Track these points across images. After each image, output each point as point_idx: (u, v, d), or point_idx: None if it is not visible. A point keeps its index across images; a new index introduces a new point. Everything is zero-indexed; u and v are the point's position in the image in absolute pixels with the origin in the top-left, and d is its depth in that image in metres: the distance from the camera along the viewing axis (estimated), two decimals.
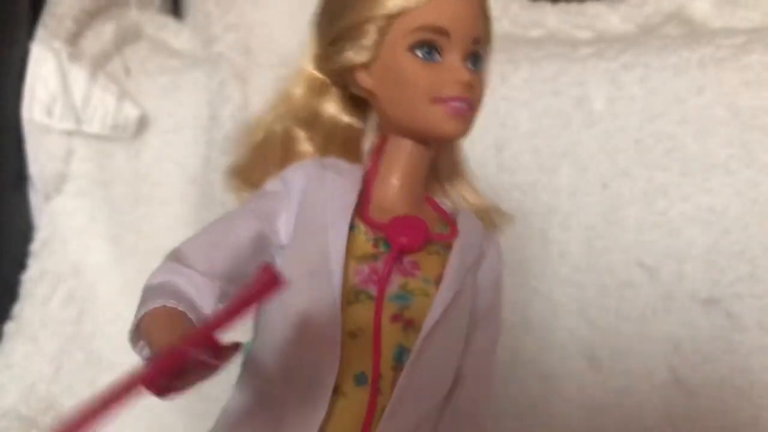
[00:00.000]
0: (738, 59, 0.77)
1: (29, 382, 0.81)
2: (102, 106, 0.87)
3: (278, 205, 0.47)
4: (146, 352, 0.38)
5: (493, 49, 0.85)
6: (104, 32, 0.92)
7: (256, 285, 0.33)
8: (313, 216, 0.46)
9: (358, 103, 0.50)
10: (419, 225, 0.46)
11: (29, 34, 0.86)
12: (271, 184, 0.48)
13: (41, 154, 0.87)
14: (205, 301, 0.41)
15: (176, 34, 1.01)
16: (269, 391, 0.45)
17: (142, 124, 0.90)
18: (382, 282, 0.44)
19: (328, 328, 0.43)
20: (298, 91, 0.50)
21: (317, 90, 0.50)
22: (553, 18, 0.91)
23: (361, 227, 0.46)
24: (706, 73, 0.78)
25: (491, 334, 0.49)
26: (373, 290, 0.44)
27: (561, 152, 0.81)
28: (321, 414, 0.42)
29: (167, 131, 0.91)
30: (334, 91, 0.50)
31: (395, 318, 0.44)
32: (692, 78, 0.78)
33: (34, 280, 0.86)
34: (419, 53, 0.45)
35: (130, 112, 0.88)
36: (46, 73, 0.86)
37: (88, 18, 0.91)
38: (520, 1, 0.92)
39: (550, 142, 0.81)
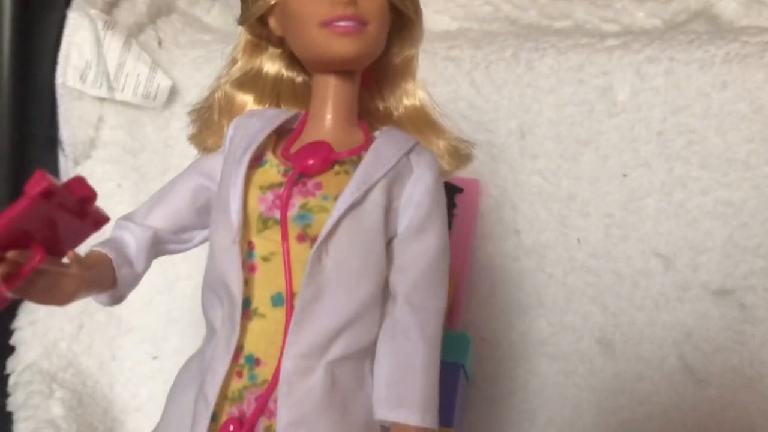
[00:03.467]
0: (763, 56, 0.78)
1: (51, 339, 0.82)
2: (134, 74, 0.89)
3: (218, 158, 0.52)
4: None
5: (520, 37, 0.87)
6: (138, 3, 0.94)
7: (27, 183, 0.37)
8: (231, 159, 0.50)
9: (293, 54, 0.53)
10: (322, 147, 0.48)
11: (67, 2, 0.88)
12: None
13: (72, 119, 0.89)
14: (137, 245, 0.49)
15: (207, 10, 1.03)
16: (208, 321, 0.50)
17: (173, 95, 0.91)
18: (284, 205, 0.47)
19: (231, 257, 0.47)
20: (240, 55, 0.54)
21: (256, 52, 0.54)
22: (580, 10, 0.92)
23: (273, 161, 0.49)
24: (731, 69, 0.79)
25: (426, 246, 0.48)
26: (277, 214, 0.47)
27: (583, 140, 0.82)
28: (236, 335, 0.46)
29: None
30: (270, 50, 0.54)
31: (301, 237, 0.47)
32: (717, 73, 0.79)
33: None
34: None
35: (162, 82, 0.90)
36: (81, 40, 0.88)
37: None
38: None
39: (572, 130, 0.82)
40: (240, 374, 0.46)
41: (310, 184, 0.48)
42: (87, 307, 0.86)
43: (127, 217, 0.51)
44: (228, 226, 0.47)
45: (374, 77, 0.54)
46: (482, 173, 0.85)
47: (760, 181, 0.77)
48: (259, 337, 0.46)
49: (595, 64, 0.82)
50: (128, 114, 0.91)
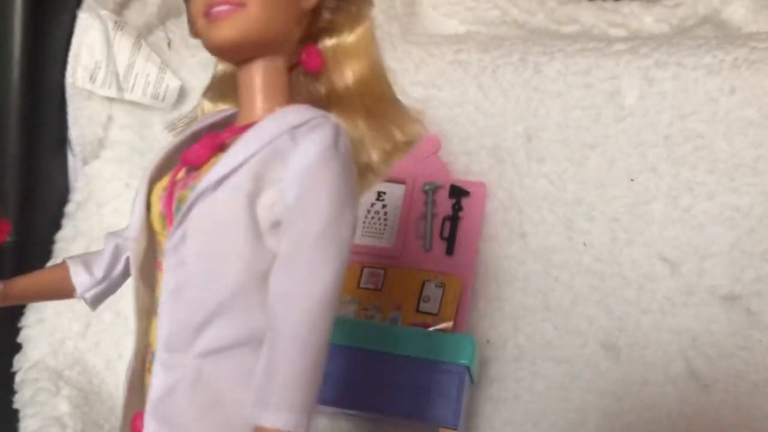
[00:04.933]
0: None
1: (59, 338, 0.83)
2: (143, 75, 0.90)
3: None
4: None
5: (528, 41, 0.87)
6: (149, 4, 0.94)
7: None
8: None
9: None
10: (211, 139, 0.47)
11: (77, 2, 0.89)
12: None
13: (82, 119, 0.89)
14: (103, 254, 0.52)
15: None
16: None
17: (181, 96, 0.92)
18: (168, 202, 0.47)
19: (134, 257, 0.48)
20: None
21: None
22: (588, 15, 0.92)
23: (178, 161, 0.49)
24: (739, 74, 0.79)
25: (300, 230, 0.43)
26: (165, 211, 0.47)
27: (590, 144, 0.82)
28: (143, 330, 0.48)
29: None
30: None
31: None
32: (725, 78, 0.79)
33: (67, 239, 0.88)
34: None
35: (171, 82, 0.90)
36: (91, 41, 0.88)
37: None
38: None
39: (579, 133, 0.82)
40: (149, 370, 0.47)
41: (192, 176, 0.47)
42: None
43: (111, 232, 0.54)
44: (132, 227, 0.49)
45: (329, 60, 0.50)
46: (489, 176, 0.85)
47: None
48: (155, 332, 0.47)
49: (602, 69, 0.82)
50: (137, 114, 0.91)
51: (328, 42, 0.50)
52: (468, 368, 0.74)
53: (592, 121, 0.82)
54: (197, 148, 0.47)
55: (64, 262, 0.53)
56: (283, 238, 0.43)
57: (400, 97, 0.53)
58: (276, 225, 0.44)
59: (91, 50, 0.88)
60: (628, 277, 0.79)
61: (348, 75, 0.50)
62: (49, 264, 0.84)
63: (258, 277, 0.44)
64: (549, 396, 0.79)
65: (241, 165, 0.43)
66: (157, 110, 0.91)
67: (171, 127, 0.56)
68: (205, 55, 0.97)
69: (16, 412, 0.77)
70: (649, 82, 0.81)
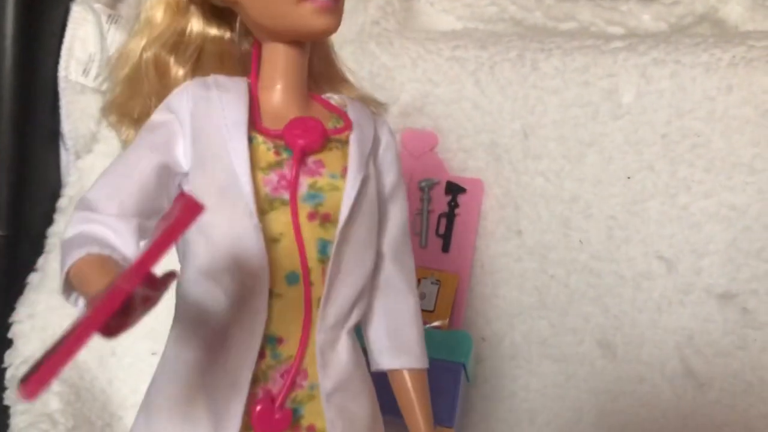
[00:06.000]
0: None
1: (50, 333, 0.82)
2: None
3: (172, 134, 0.47)
4: (81, 301, 0.40)
5: (525, 38, 0.87)
6: None
7: (178, 214, 0.34)
8: (208, 137, 0.46)
9: (221, 12, 0.50)
10: (315, 125, 0.48)
11: None
12: (158, 115, 0.48)
13: (74, 113, 0.88)
14: (125, 240, 0.43)
15: None
16: (207, 313, 0.46)
17: None
18: (293, 186, 0.46)
19: (251, 240, 0.45)
20: (159, 14, 0.50)
21: (177, 9, 0.50)
22: (586, 12, 0.92)
23: (259, 138, 0.47)
24: (736, 72, 0.79)
25: (400, 206, 0.53)
26: (285, 195, 0.46)
27: (587, 142, 0.82)
28: (263, 318, 0.45)
29: None
30: (193, 8, 0.50)
31: (311, 216, 0.47)
32: (722, 76, 0.79)
33: (60, 234, 0.87)
34: None
35: None
36: (85, 34, 0.88)
37: None
38: None
39: (577, 131, 0.82)
40: (263, 354, 0.46)
41: (311, 162, 0.48)
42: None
43: (98, 210, 0.44)
44: (238, 210, 0.45)
45: None
46: (485, 173, 0.84)
47: (764, 185, 0.77)
48: (278, 317, 0.46)
49: (600, 66, 0.82)
50: None
51: None
52: (464, 365, 0.74)
53: (590, 119, 0.82)
54: (317, 139, 0.47)
55: (98, 254, 0.41)
56: (390, 215, 0.53)
57: (396, 94, 0.58)
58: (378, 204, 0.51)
59: (85, 43, 0.87)
60: (625, 275, 0.79)
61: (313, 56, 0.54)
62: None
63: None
64: (544, 394, 0.79)
65: (368, 157, 0.50)
66: None
67: (121, 79, 0.50)
68: None
69: (6, 408, 0.76)
70: (647, 80, 0.81)
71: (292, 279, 0.46)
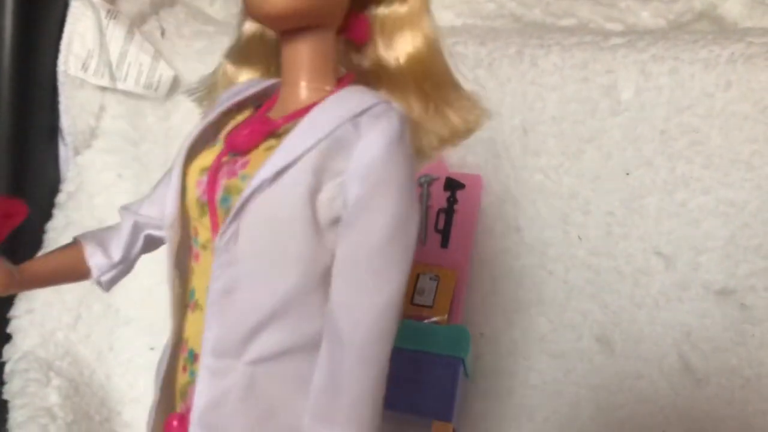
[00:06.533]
0: None
1: (49, 328, 0.82)
2: (136, 64, 0.89)
3: None
4: None
5: (524, 34, 0.87)
6: None
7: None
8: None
9: None
10: (260, 122, 0.43)
11: None
12: None
13: (73, 108, 0.88)
14: (119, 233, 0.48)
15: (210, 2, 1.03)
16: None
17: (175, 86, 0.91)
18: (210, 189, 0.42)
19: (169, 245, 0.44)
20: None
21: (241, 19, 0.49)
22: (585, 9, 0.92)
23: (221, 141, 0.45)
24: (735, 69, 0.79)
25: (367, 231, 0.40)
26: (205, 198, 0.43)
27: (586, 138, 0.82)
28: (177, 324, 0.45)
29: None
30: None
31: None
32: (721, 73, 0.79)
33: (58, 229, 0.87)
34: None
35: (164, 72, 0.89)
36: (84, 29, 0.87)
37: None
38: None
39: (575, 127, 0.82)
40: (185, 369, 0.44)
41: (240, 162, 0.42)
42: (85, 298, 0.86)
43: (125, 206, 0.49)
44: (168, 213, 0.44)
45: (377, 31, 0.47)
46: (484, 169, 0.84)
47: (763, 181, 0.77)
48: (197, 331, 0.43)
49: (599, 62, 0.82)
50: (130, 104, 0.90)
51: (376, 10, 0.46)
52: (462, 360, 0.74)
53: (589, 115, 0.82)
54: (247, 133, 0.42)
55: (77, 241, 0.48)
56: (343, 239, 0.40)
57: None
58: (335, 221, 0.41)
59: (84, 39, 0.87)
60: (623, 271, 0.79)
61: (399, 50, 0.46)
62: (43, 251, 0.83)
63: (317, 279, 0.41)
64: (543, 390, 0.79)
65: (300, 156, 0.39)
66: (150, 100, 0.90)
67: (190, 92, 0.52)
68: (200, 45, 0.97)
69: (5, 402, 0.76)
70: (646, 77, 0.81)
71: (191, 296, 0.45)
